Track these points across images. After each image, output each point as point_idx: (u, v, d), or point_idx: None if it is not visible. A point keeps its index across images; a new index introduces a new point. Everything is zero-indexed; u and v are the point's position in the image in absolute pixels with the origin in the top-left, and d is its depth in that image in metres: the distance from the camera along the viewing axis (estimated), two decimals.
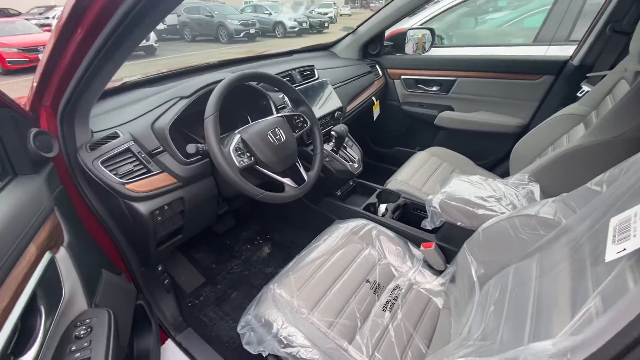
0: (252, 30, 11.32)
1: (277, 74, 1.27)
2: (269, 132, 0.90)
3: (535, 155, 1.32)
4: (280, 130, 0.93)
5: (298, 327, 0.83)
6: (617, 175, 0.63)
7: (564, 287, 0.58)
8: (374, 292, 0.99)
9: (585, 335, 0.40)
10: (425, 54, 2.00)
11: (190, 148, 0.83)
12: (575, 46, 1.56)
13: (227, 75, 0.92)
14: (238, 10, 12.42)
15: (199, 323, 1.21)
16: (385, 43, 2.01)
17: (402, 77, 1.96)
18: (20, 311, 0.47)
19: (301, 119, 1.04)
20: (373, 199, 1.38)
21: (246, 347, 0.85)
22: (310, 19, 13.03)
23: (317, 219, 1.42)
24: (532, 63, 1.64)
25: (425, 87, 1.92)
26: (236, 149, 0.84)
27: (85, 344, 0.56)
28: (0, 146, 0.58)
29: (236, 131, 0.90)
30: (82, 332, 0.57)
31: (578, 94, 1.43)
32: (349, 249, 1.09)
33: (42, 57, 0.67)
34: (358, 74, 1.78)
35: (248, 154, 0.86)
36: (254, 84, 1.09)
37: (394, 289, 1.02)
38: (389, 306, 0.96)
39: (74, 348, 0.55)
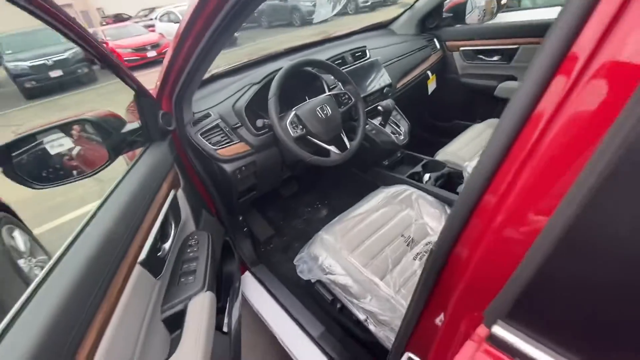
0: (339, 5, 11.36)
1: (330, 57, 1.46)
2: (318, 108, 1.12)
3: None
4: (327, 107, 1.14)
5: (338, 261, 1.07)
6: None
7: None
8: (407, 245, 1.16)
9: None
10: (486, 23, 1.92)
11: (259, 122, 1.10)
12: None
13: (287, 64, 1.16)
14: None
15: (269, 263, 1.54)
16: (445, 15, 2.00)
17: (461, 48, 1.94)
18: (161, 220, 0.79)
19: (346, 96, 1.22)
20: (418, 168, 1.50)
21: (300, 275, 1.12)
22: None
23: (365, 185, 1.60)
24: None
25: (485, 58, 1.88)
26: (291, 123, 1.08)
27: (195, 249, 0.88)
28: (144, 123, 0.92)
29: (293, 109, 1.14)
30: (193, 242, 0.89)
31: None
32: (389, 209, 1.26)
33: (164, 62, 0.98)
34: (412, 49, 1.84)
35: (301, 127, 1.10)
36: (309, 68, 1.30)
37: (427, 244, 1.17)
38: (419, 257, 1.12)
39: (188, 250, 0.87)
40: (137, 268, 0.63)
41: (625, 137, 0.21)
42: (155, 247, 0.71)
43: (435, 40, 1.99)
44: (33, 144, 0.69)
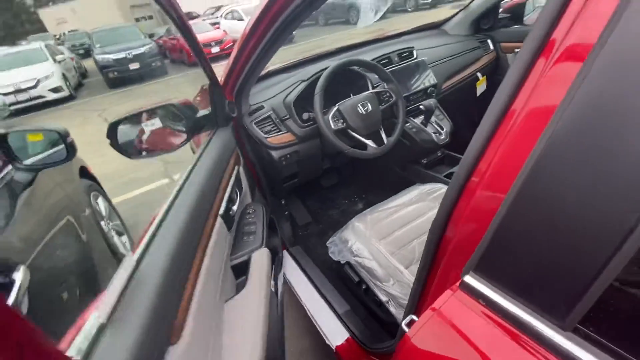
0: (382, 8, 11.28)
1: (376, 57, 1.54)
2: (359, 105, 1.22)
3: None
4: (369, 103, 1.23)
5: (366, 246, 1.16)
6: None
7: None
8: None
9: None
10: None
11: (305, 115, 1.24)
12: None
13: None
14: None
15: (305, 246, 1.68)
16: (501, 16, 1.95)
17: (516, 50, 1.89)
18: (230, 189, 0.95)
19: (388, 94, 1.31)
20: (457, 169, 1.52)
21: (331, 255, 1.24)
22: None
23: (403, 183, 1.66)
24: None
25: None
26: (333, 117, 1.19)
27: (253, 216, 1.04)
28: (214, 110, 1.10)
29: (337, 104, 1.26)
30: (250, 211, 1.06)
31: None
32: (422, 205, 1.32)
33: (230, 58, 1.15)
34: (463, 50, 1.83)
35: (342, 121, 1.21)
36: (355, 67, 1.40)
37: None
38: None
39: (247, 217, 1.03)
40: (219, 219, 0.80)
41: (554, 129, 0.28)
42: (228, 207, 0.89)
43: (488, 41, 1.95)
44: (133, 122, 0.89)
